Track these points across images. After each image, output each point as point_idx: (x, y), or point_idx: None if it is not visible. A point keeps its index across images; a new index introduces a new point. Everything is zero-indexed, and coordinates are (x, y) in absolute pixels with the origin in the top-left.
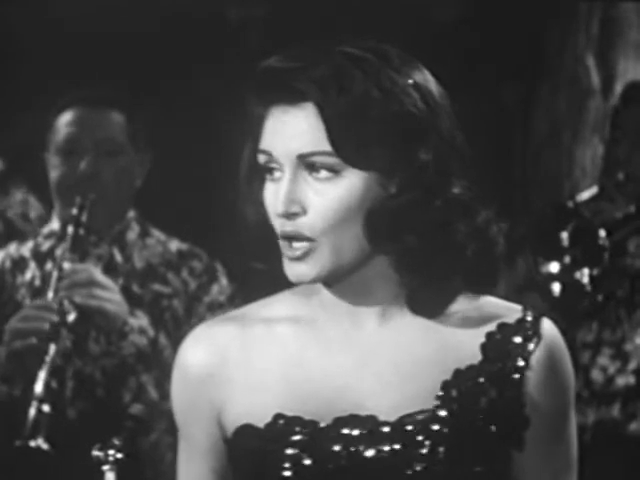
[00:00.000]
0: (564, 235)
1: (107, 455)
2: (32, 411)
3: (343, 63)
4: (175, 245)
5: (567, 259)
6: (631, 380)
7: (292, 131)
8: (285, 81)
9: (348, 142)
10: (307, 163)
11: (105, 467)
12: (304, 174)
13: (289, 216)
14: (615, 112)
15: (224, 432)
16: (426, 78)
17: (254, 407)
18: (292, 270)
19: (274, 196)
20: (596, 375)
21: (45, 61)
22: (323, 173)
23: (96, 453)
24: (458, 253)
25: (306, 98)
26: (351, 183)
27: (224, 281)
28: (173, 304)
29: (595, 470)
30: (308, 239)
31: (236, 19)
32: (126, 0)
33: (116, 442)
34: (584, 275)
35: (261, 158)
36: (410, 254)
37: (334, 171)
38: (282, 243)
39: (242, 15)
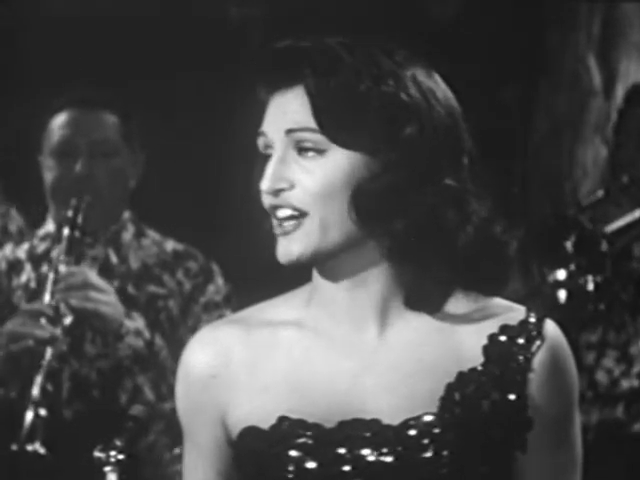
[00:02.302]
0: (568, 244)
1: (109, 456)
2: (29, 415)
3: (337, 49)
4: (171, 245)
5: (572, 267)
6: (635, 383)
7: (284, 110)
8: (281, 63)
9: (332, 120)
10: (295, 140)
11: (107, 468)
12: (293, 153)
13: (275, 192)
14: (619, 115)
15: (229, 434)
16: (432, 79)
17: (258, 410)
18: (281, 249)
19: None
20: (601, 377)
21: (39, 62)
22: (311, 152)
23: (98, 454)
24: (448, 242)
25: (299, 80)
26: (337, 161)
27: (220, 281)
28: (169, 305)
29: (598, 470)
30: (297, 210)
31: (236, 19)
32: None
33: (118, 443)
34: (589, 281)
35: (260, 142)
36: (398, 239)
37: (320, 149)
38: (274, 223)
39: (242, 15)
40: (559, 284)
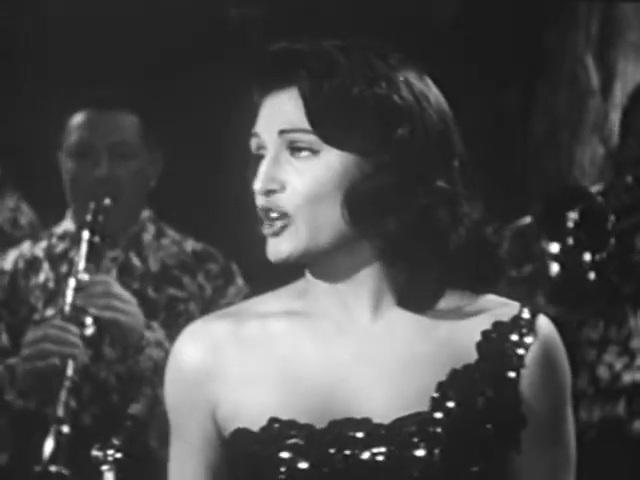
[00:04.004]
0: (572, 216)
1: (106, 455)
2: (52, 435)
3: (331, 51)
4: (190, 245)
5: (571, 240)
6: (638, 376)
7: (277, 111)
8: (275, 65)
9: (326, 120)
10: (288, 141)
11: (104, 467)
12: (286, 154)
13: (267, 193)
14: (624, 114)
15: (218, 429)
16: (424, 83)
17: (248, 403)
18: (270, 248)
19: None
20: (602, 372)
21: (45, 64)
22: (304, 153)
23: (95, 453)
24: (440, 242)
25: (293, 81)
26: (329, 162)
27: (240, 282)
28: (189, 308)
29: (601, 467)
30: (284, 213)
31: (236, 19)
32: (125, 0)
33: (115, 442)
34: (586, 258)
35: (252, 143)
36: (390, 240)
37: (313, 150)
38: (264, 222)
39: (242, 15)
40: (553, 257)
